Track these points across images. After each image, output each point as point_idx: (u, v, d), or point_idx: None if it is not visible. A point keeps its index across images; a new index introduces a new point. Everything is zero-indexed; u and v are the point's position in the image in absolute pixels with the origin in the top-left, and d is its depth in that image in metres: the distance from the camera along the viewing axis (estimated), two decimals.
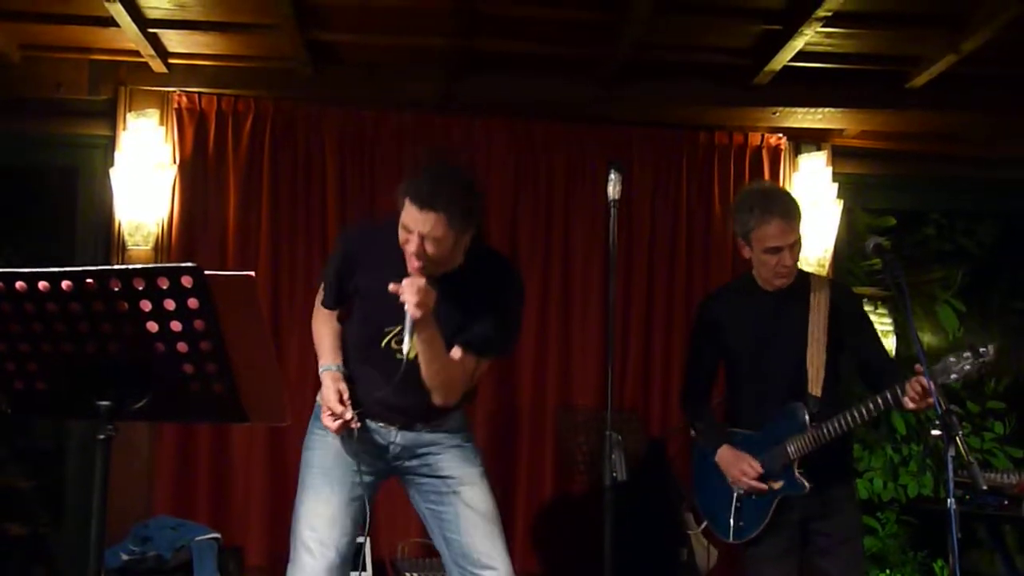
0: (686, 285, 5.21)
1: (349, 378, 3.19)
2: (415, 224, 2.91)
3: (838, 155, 5.43)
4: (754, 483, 3.55)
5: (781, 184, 5.26)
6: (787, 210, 3.53)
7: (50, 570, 5.22)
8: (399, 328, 3.00)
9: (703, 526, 3.86)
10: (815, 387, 3.55)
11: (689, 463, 4.88)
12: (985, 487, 3.39)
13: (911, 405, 3.25)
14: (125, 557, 4.31)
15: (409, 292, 2.86)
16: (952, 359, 3.23)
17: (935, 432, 2.99)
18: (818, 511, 3.58)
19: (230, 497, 4.82)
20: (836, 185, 5.22)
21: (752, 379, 3.66)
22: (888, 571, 5.23)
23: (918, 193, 5.81)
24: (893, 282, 3.38)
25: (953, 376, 3.23)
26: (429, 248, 2.93)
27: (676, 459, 5.06)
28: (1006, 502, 4.43)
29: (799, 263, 3.65)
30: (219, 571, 4.33)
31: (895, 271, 3.27)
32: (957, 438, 2.90)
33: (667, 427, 5.08)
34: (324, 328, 3.30)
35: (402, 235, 2.96)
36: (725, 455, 3.63)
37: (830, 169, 5.29)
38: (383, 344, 3.11)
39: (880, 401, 3.35)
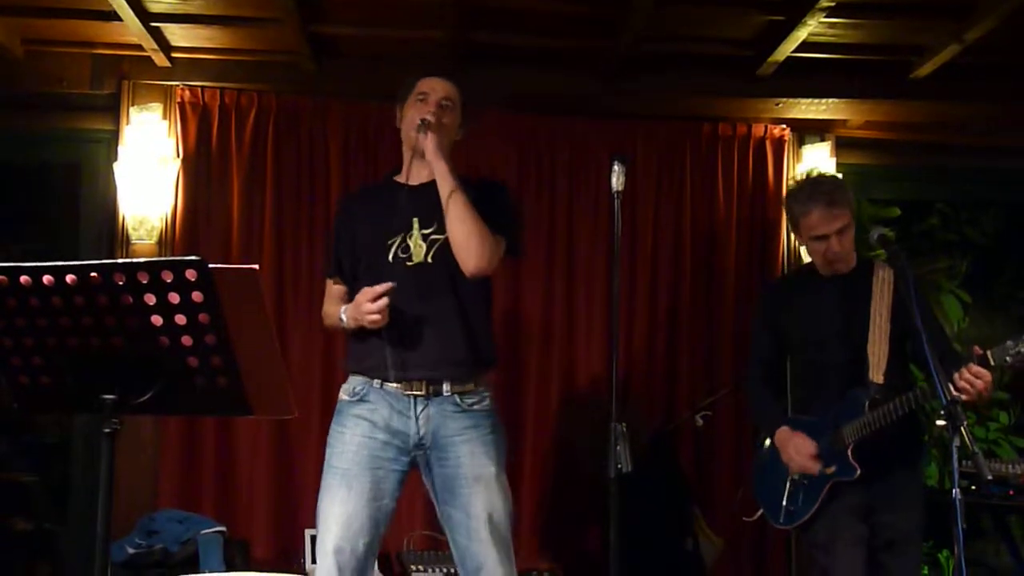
0: (690, 276, 5.21)
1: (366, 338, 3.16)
2: (433, 89, 3.26)
3: (842, 146, 5.42)
4: (807, 462, 3.54)
5: (784, 177, 5.27)
6: (830, 197, 3.54)
7: (56, 564, 5.24)
8: (402, 235, 3.15)
9: (759, 514, 3.83)
10: (876, 374, 3.52)
11: (694, 454, 4.91)
12: (990, 477, 3.37)
13: (963, 397, 3.16)
14: (131, 551, 4.32)
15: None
16: (1010, 342, 3.18)
17: (940, 422, 2.98)
18: (884, 502, 3.54)
19: (236, 490, 4.82)
20: (840, 176, 5.21)
21: (813, 366, 3.67)
22: None
23: (922, 183, 5.81)
24: (898, 273, 3.38)
25: (1008, 359, 3.17)
26: (445, 117, 3.23)
27: (682, 451, 5.07)
28: (1011, 492, 4.43)
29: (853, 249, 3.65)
30: (225, 564, 4.33)
31: (900, 262, 3.26)
32: (962, 428, 2.89)
33: (672, 418, 5.08)
34: (333, 308, 3.30)
35: (417, 107, 3.23)
36: (781, 435, 3.63)
37: (834, 160, 5.29)
38: (390, 257, 3.14)
39: (929, 389, 3.26)
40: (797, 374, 3.79)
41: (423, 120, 3.16)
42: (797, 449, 3.56)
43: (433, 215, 3.16)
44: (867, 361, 3.55)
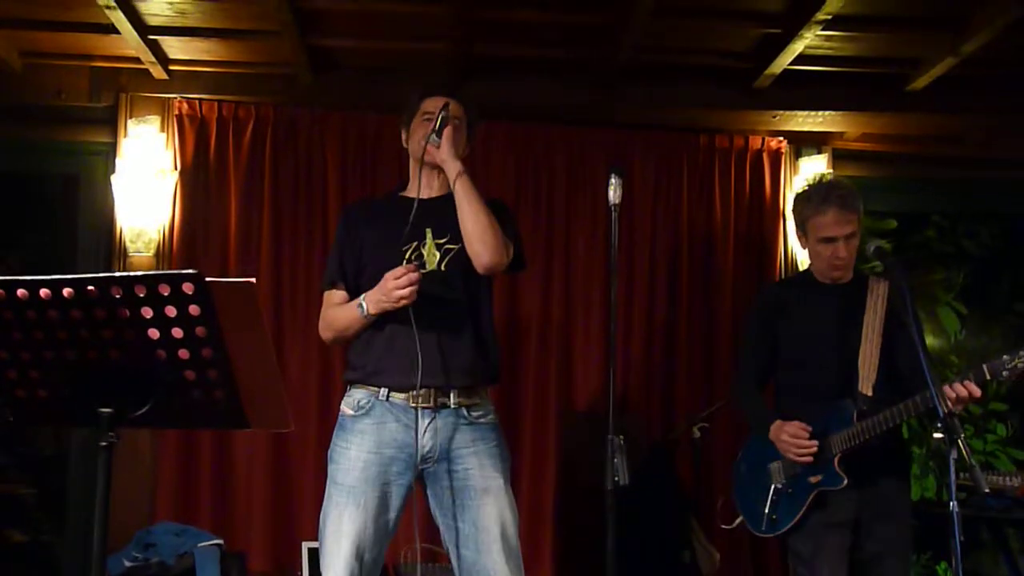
0: (687, 288, 5.21)
1: (371, 346, 3.17)
2: (437, 107, 3.22)
3: (839, 158, 5.44)
4: (804, 444, 3.47)
5: (781, 189, 5.28)
6: (845, 201, 3.55)
7: None
8: (416, 244, 3.15)
9: (737, 522, 3.81)
10: (866, 386, 3.52)
11: (692, 466, 4.90)
12: (987, 489, 3.37)
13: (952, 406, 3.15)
14: (128, 564, 4.31)
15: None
16: (1007, 356, 3.20)
17: (937, 435, 2.98)
18: (871, 513, 3.52)
19: (232, 503, 4.81)
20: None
21: (802, 373, 3.64)
22: None
23: (919, 195, 5.81)
24: (895, 285, 3.38)
25: (1005, 373, 3.19)
26: (454, 133, 3.20)
27: (679, 463, 5.06)
28: (1009, 504, 4.43)
29: (854, 258, 3.65)
30: None
31: (896, 274, 3.27)
32: (959, 441, 2.89)
33: (669, 430, 5.08)
34: (339, 311, 3.25)
35: (425, 126, 3.21)
36: (775, 428, 3.57)
37: (831, 172, 5.28)
38: (403, 263, 3.12)
39: (919, 400, 3.27)
40: (784, 384, 3.75)
41: (433, 130, 3.16)
42: (793, 433, 3.50)
43: (446, 226, 3.18)
44: (857, 372, 3.54)
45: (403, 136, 3.38)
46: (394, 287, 3.01)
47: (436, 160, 3.18)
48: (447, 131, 3.16)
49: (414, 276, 3.01)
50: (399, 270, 3.03)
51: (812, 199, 3.61)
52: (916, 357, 3.55)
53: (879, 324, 3.58)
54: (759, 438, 3.71)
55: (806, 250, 3.74)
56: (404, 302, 3.02)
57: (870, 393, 3.51)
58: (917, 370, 3.53)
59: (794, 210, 3.73)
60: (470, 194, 3.13)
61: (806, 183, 3.86)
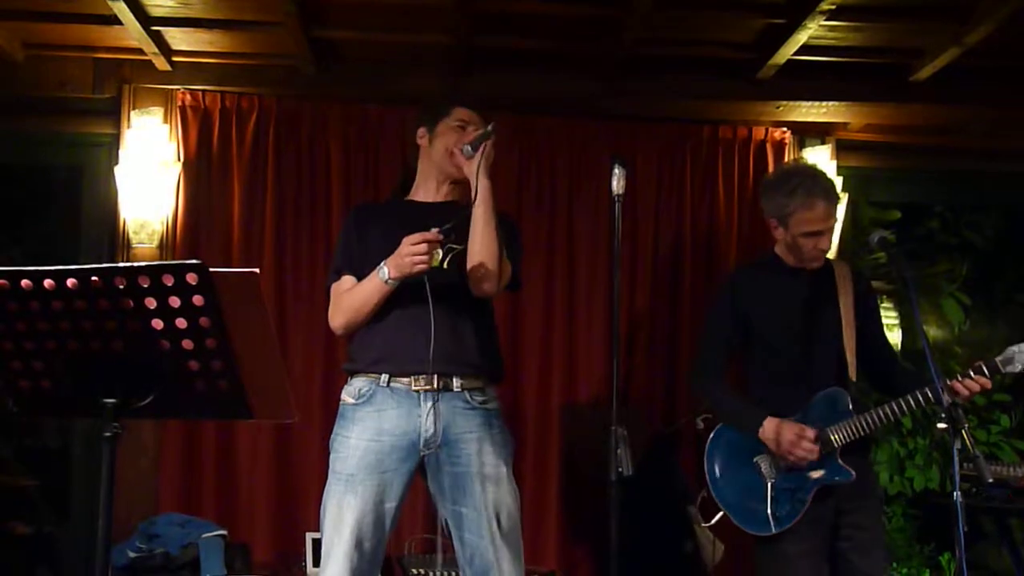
0: (690, 279, 5.20)
1: (376, 338, 3.18)
2: (472, 120, 3.31)
3: (842, 149, 5.42)
4: (810, 447, 3.42)
5: None
6: (830, 194, 3.52)
7: (56, 569, 5.23)
8: None
9: (717, 518, 3.73)
10: (853, 373, 3.50)
11: (695, 457, 4.90)
12: (991, 480, 3.37)
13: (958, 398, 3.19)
14: (132, 555, 4.32)
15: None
16: (1016, 349, 3.21)
17: (941, 425, 2.98)
18: (852, 502, 3.51)
19: (236, 494, 4.82)
20: (840, 179, 5.20)
21: (785, 361, 3.58)
22: (895, 564, 5.23)
23: (922, 186, 5.81)
24: (898, 275, 3.38)
25: (1019, 367, 3.22)
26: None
27: (682, 454, 5.06)
28: (1011, 495, 4.42)
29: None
30: (226, 568, 4.33)
31: (900, 265, 3.26)
32: (963, 431, 2.90)
33: (672, 422, 5.08)
34: (354, 290, 3.23)
35: (455, 136, 3.25)
36: (771, 427, 3.47)
37: (834, 163, 5.28)
38: None
39: (929, 393, 3.28)
40: (758, 370, 3.67)
41: (486, 130, 3.14)
42: (800, 435, 3.43)
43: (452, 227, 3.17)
44: (843, 359, 3.51)
45: (421, 133, 3.36)
46: (409, 252, 2.99)
47: (464, 171, 3.17)
48: (487, 147, 3.12)
49: (430, 235, 2.99)
50: (416, 236, 3.01)
51: (796, 193, 3.49)
52: (886, 345, 3.62)
53: (851, 308, 3.56)
54: (730, 429, 3.64)
55: (779, 239, 3.65)
56: (421, 267, 3.01)
57: (855, 380, 3.51)
58: (891, 359, 3.58)
59: (771, 202, 3.58)
60: (488, 216, 3.12)
61: (780, 171, 3.76)
